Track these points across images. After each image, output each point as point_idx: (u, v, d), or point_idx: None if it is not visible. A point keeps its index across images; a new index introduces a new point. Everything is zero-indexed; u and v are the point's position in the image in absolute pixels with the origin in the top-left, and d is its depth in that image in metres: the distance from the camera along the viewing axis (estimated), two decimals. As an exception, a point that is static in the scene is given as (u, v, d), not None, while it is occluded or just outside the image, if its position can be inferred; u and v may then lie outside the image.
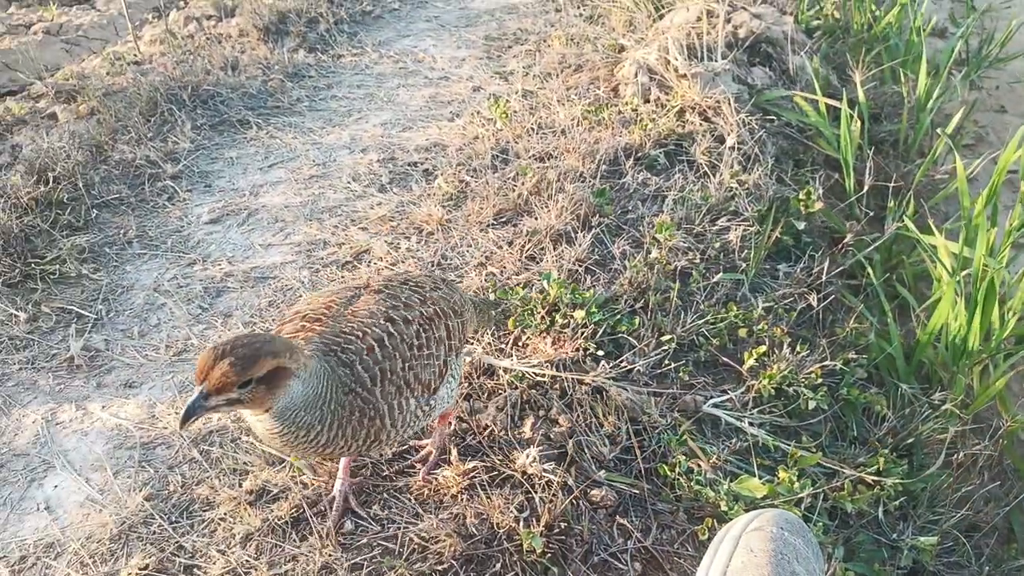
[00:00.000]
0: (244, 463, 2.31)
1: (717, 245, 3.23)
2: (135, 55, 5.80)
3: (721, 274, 3.03)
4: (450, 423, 2.33)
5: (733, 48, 4.70)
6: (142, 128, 4.25)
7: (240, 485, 2.24)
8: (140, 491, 2.28)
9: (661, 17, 5.24)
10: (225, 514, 2.17)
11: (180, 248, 3.43)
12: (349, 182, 3.89)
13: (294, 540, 2.10)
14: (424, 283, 2.02)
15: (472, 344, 2.67)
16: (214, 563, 2.05)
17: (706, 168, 3.74)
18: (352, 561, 2.02)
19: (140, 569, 2.04)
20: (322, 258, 3.33)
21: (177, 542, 2.13)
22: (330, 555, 2.02)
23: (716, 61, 4.42)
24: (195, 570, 2.05)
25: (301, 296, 3.07)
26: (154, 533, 2.16)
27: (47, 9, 7.25)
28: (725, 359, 2.74)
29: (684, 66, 4.34)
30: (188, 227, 3.59)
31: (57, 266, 3.23)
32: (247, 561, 2.05)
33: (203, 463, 2.35)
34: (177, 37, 6.01)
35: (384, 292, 1.89)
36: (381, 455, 2.33)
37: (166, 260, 3.36)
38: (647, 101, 4.36)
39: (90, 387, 2.71)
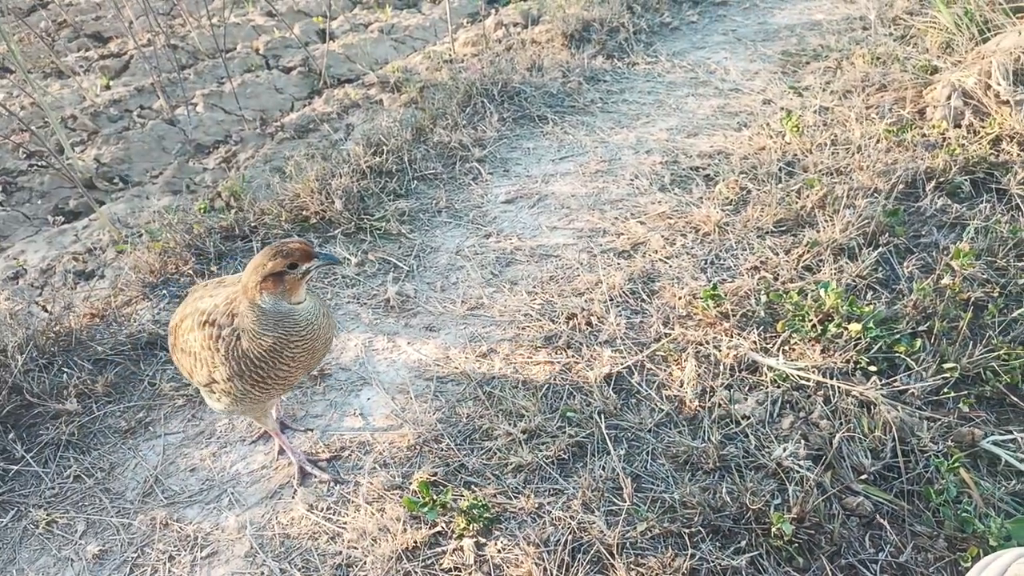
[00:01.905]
0: (521, 407, 2.61)
1: (1021, 282, 2.98)
2: (450, 54, 6.53)
3: (1022, 311, 2.81)
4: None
5: (1071, 76, 4.23)
6: (458, 116, 4.83)
7: (516, 425, 2.54)
8: (434, 415, 2.67)
9: (985, 40, 4.84)
10: (501, 446, 2.49)
11: (479, 221, 3.88)
12: (632, 179, 4.12)
13: (557, 478, 2.35)
14: None
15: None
16: (489, 483, 2.37)
17: (1019, 201, 3.44)
18: (608, 508, 2.23)
19: (430, 475, 2.42)
20: (601, 245, 3.58)
21: (460, 461, 2.48)
22: (589, 496, 2.24)
23: (1048, 89, 4.02)
24: (472, 486, 2.38)
25: (579, 275, 3.35)
26: (443, 450, 2.53)
27: (383, 11, 8.35)
28: (1015, 399, 2.55)
29: (1008, 92, 4.00)
30: (487, 204, 4.04)
31: (383, 224, 3.82)
32: (516, 487, 2.34)
33: (486, 402, 2.70)
34: (488, 40, 6.67)
35: None
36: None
37: (467, 230, 3.82)
38: (958, 126, 4.08)
39: (400, 325, 3.19)
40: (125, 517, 2.45)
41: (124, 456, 2.68)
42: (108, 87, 6.30)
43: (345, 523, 2.32)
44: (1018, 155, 3.75)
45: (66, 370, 2.99)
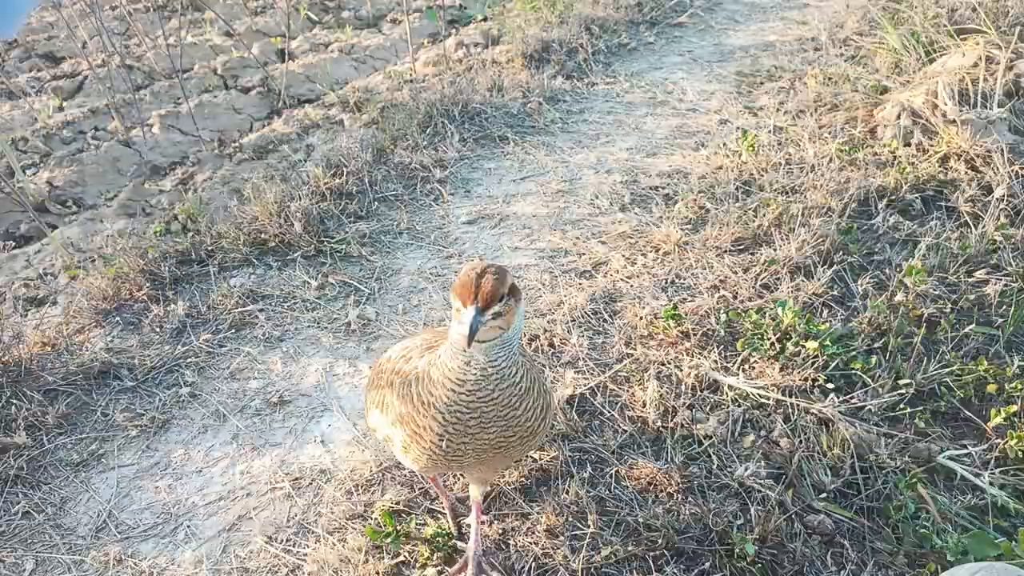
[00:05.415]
0: (483, 431, 2.58)
1: (972, 297, 3.06)
2: (411, 74, 6.53)
3: (973, 326, 2.88)
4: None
5: (1012, 97, 4.39)
6: (418, 137, 4.82)
7: (478, 449, 2.52)
8: (396, 440, 2.64)
9: (932, 61, 5.00)
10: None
11: (441, 242, 3.87)
12: (592, 199, 4.14)
13: (521, 503, 2.33)
14: None
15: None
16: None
17: (967, 218, 3.54)
18: (572, 533, 2.22)
19: (392, 503, 2.38)
20: (563, 265, 3.59)
21: (423, 487, 2.44)
22: (553, 521, 2.22)
23: (991, 109, 4.16)
24: (435, 513, 2.35)
25: (542, 296, 3.35)
26: (405, 476, 2.50)
27: (343, 31, 8.32)
28: (968, 413, 2.61)
29: (954, 111, 4.13)
30: (448, 225, 4.03)
31: (343, 246, 3.79)
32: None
33: (448, 426, 2.67)
34: (449, 60, 6.69)
35: None
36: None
37: (428, 251, 3.80)
38: (907, 145, 4.20)
39: (361, 349, 3.16)
40: (77, 554, 2.37)
41: (76, 490, 2.60)
42: (61, 108, 6.17)
43: (305, 555, 2.27)
44: (965, 173, 3.86)
45: (15, 401, 2.89)
